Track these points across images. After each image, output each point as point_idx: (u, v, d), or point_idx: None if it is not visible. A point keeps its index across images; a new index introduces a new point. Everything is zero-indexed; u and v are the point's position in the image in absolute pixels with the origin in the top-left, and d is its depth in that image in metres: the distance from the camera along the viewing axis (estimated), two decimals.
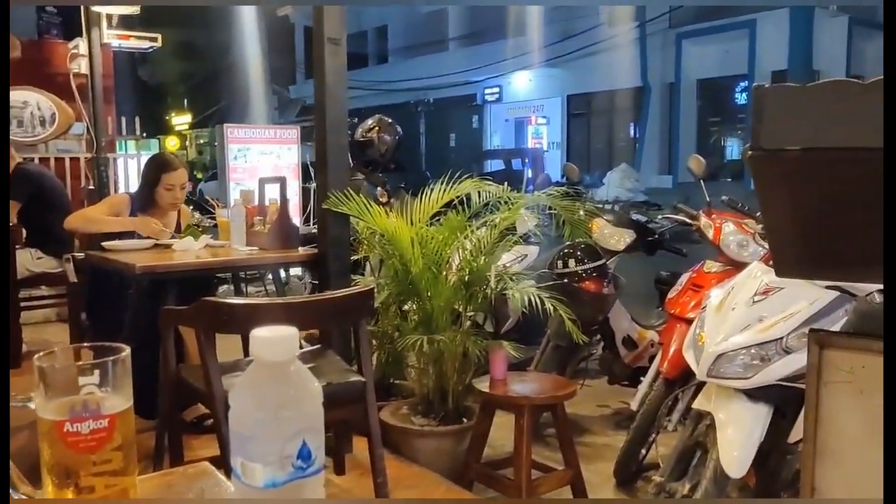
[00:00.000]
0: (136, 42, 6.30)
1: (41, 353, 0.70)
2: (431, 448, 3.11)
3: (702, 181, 3.51)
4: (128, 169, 6.75)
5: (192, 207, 4.84)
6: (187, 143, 19.99)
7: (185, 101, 24.22)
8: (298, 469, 0.59)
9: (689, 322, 2.90)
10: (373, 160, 4.96)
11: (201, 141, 19.80)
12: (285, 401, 0.60)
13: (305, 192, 6.94)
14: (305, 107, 25.75)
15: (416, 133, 22.65)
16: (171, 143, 17.72)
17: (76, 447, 0.67)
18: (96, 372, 0.70)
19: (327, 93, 3.18)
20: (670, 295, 3.30)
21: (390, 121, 5.10)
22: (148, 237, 3.43)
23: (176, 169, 3.55)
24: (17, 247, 4.49)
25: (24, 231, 4.62)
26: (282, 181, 3.37)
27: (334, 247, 3.21)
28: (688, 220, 3.53)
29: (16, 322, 4.47)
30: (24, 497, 0.71)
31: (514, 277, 3.36)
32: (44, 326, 5.46)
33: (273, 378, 0.60)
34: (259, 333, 0.60)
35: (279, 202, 3.32)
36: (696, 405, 2.54)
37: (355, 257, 3.54)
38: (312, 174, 8.03)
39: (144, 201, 3.56)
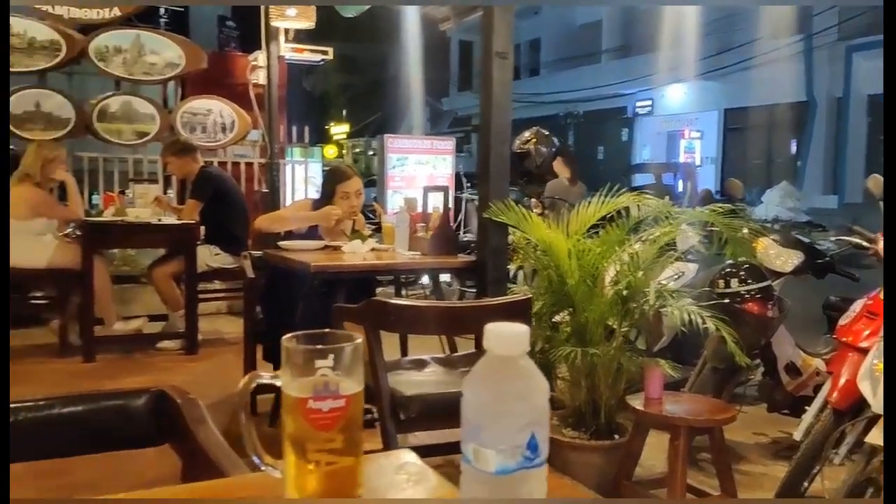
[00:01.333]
0: (309, 55, 6.70)
1: (287, 336, 0.78)
2: (581, 461, 3.09)
3: (881, 202, 3.30)
4: (294, 174, 7.16)
5: None
6: (344, 151, 20.86)
7: (344, 111, 25.33)
8: (526, 459, 0.63)
9: (862, 351, 2.73)
10: (528, 171, 5.01)
11: (357, 150, 20.59)
12: (516, 393, 0.64)
13: (457, 202, 7.09)
14: (457, 118, 26.26)
15: (564, 145, 22.50)
16: (330, 151, 18.56)
17: (316, 423, 0.75)
18: (331, 356, 0.77)
19: (493, 104, 3.25)
20: (842, 321, 3.12)
21: (547, 133, 5.14)
22: (324, 234, 3.64)
23: (350, 178, 3.75)
24: (197, 243, 4.88)
25: (202, 229, 5.02)
26: (445, 190, 3.48)
27: (493, 255, 3.27)
28: (864, 243, 3.32)
29: (193, 312, 4.85)
30: (272, 469, 0.80)
31: (673, 295, 3.29)
32: (215, 318, 5.89)
33: (505, 371, 0.65)
34: (494, 328, 0.65)
35: (441, 210, 3.43)
36: (869, 439, 2.39)
37: (510, 266, 3.59)
38: (464, 184, 8.24)
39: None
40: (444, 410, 2.57)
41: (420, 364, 2.87)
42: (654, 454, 3.02)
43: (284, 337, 0.78)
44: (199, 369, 4.51)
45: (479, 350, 2.90)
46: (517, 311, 2.59)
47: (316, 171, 7.49)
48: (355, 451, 0.78)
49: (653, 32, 19.51)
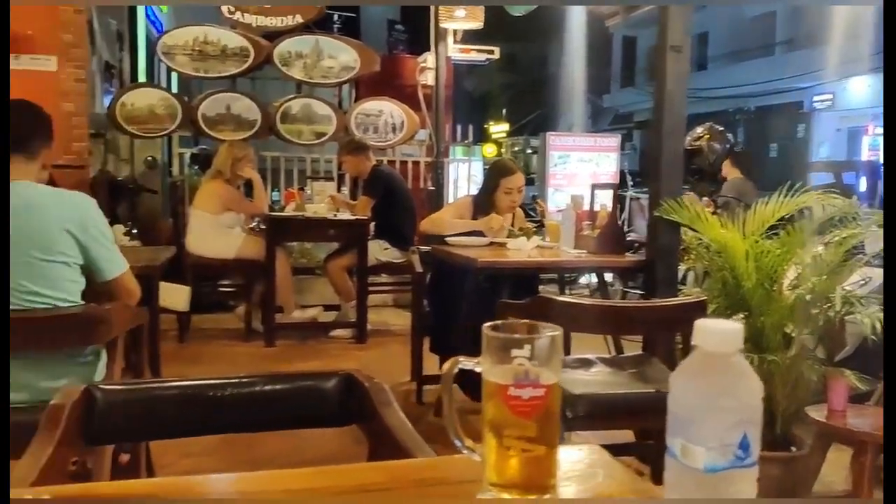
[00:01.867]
0: (476, 55, 6.80)
1: (488, 325, 0.81)
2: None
3: None
4: (458, 173, 7.30)
5: None
6: (503, 150, 20.97)
7: (504, 110, 25.46)
8: (737, 458, 0.62)
9: None
10: (700, 169, 4.82)
11: (516, 149, 20.62)
12: (727, 390, 0.63)
13: (620, 200, 6.93)
14: (619, 115, 25.69)
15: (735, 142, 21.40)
16: (489, 150, 18.71)
17: (516, 410, 0.77)
18: (527, 346, 0.79)
19: (666, 100, 3.17)
20: None
21: (721, 129, 4.92)
22: (486, 235, 3.70)
23: (514, 173, 3.78)
24: (368, 238, 5.10)
25: (373, 225, 5.24)
26: (613, 187, 3.43)
27: (664, 255, 3.19)
28: None
29: (364, 304, 5.08)
30: (470, 452, 0.83)
31: (862, 301, 3.06)
32: (382, 310, 6.12)
33: (716, 367, 0.64)
34: (706, 324, 0.64)
35: (609, 208, 3.38)
36: None
37: (680, 267, 3.48)
38: (628, 181, 8.06)
39: (485, 204, 3.84)
40: (611, 411, 2.54)
41: (586, 363, 2.84)
42: (833, 470, 2.83)
43: (485, 325, 0.81)
44: (367, 357, 4.72)
45: (647, 352, 2.84)
46: (690, 314, 2.51)
47: (477, 170, 7.60)
48: (552, 441, 0.80)
49: (832, 22, 18.13)
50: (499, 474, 0.79)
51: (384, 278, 5.97)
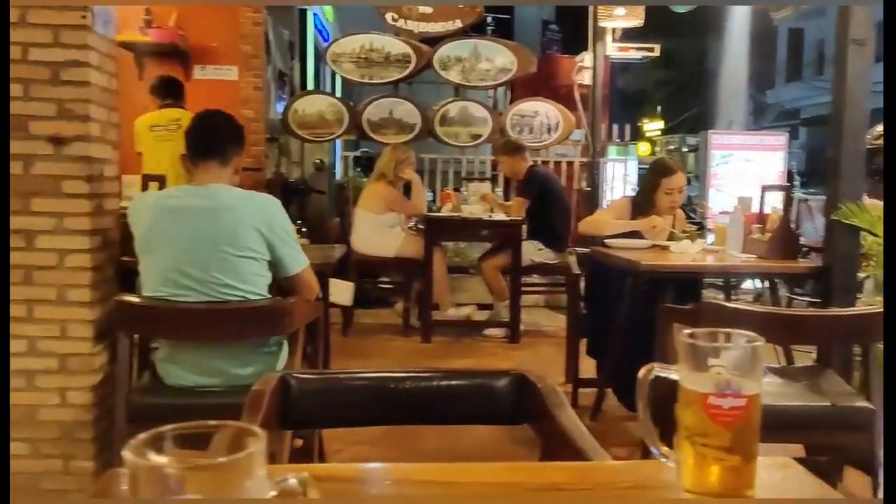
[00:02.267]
0: (634, 53, 6.67)
1: (685, 332, 0.82)
2: None
3: None
4: (613, 173, 7.19)
5: None
6: (657, 148, 20.38)
7: (659, 108, 24.72)
8: None
9: None
10: (881, 170, 4.48)
11: (671, 147, 19.95)
12: None
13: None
14: (784, 112, 24.26)
15: None
16: (643, 148, 18.24)
17: (716, 419, 0.77)
18: (724, 355, 0.79)
19: (847, 96, 2.98)
20: None
21: None
22: (646, 236, 3.63)
23: (675, 173, 3.68)
24: (521, 239, 5.13)
25: (526, 225, 5.26)
26: (785, 189, 3.27)
27: (841, 261, 3.00)
28: None
29: (517, 304, 5.12)
30: (666, 459, 0.84)
31: None
32: (534, 310, 6.14)
33: None
34: None
35: (781, 211, 3.23)
36: None
37: (859, 274, 3.26)
38: (795, 182, 7.62)
39: (644, 204, 3.76)
40: (781, 424, 2.43)
41: None
42: None
43: (683, 332, 0.81)
44: (521, 357, 4.75)
45: (821, 363, 2.69)
46: (870, 325, 2.35)
47: (632, 169, 7.45)
48: (751, 452, 0.79)
49: None
50: (695, 481, 0.79)
51: (536, 279, 5.98)
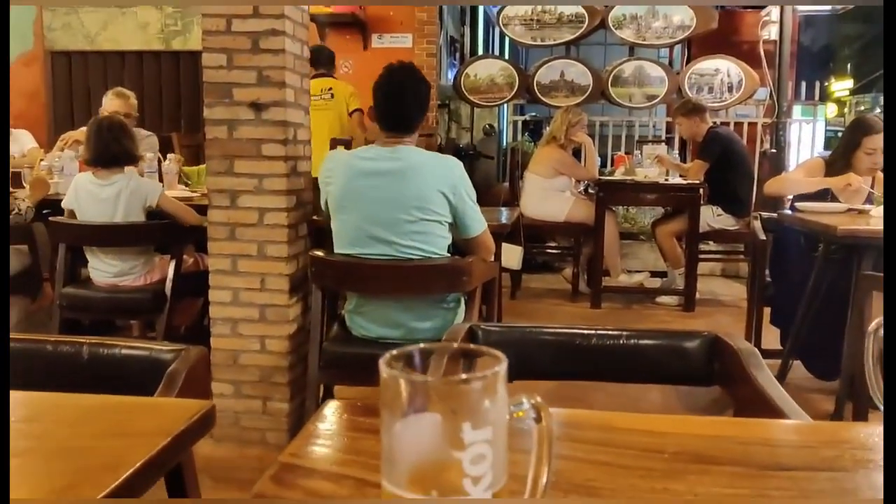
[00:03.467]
0: (825, 4, 6.15)
1: None
2: None
3: None
4: (801, 134, 6.71)
5: None
6: (846, 110, 18.77)
7: (848, 65, 22.71)
8: None
9: None
10: None
11: (862, 108, 18.32)
12: None
13: None
14: None
15: None
16: (830, 109, 16.89)
17: None
18: None
19: None
20: None
21: None
22: (839, 196, 3.38)
23: (878, 132, 3.39)
24: (700, 204, 4.92)
25: (705, 189, 5.04)
26: None
27: None
28: None
29: (693, 271, 4.93)
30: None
31: None
32: (710, 279, 5.90)
33: None
34: None
35: None
36: None
37: None
38: None
39: (840, 165, 3.50)
40: None
41: None
42: None
43: None
44: (696, 326, 4.56)
45: None
46: None
47: (820, 131, 6.91)
48: None
49: None
50: None
51: (713, 246, 5.73)
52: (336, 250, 2.44)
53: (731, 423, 0.92)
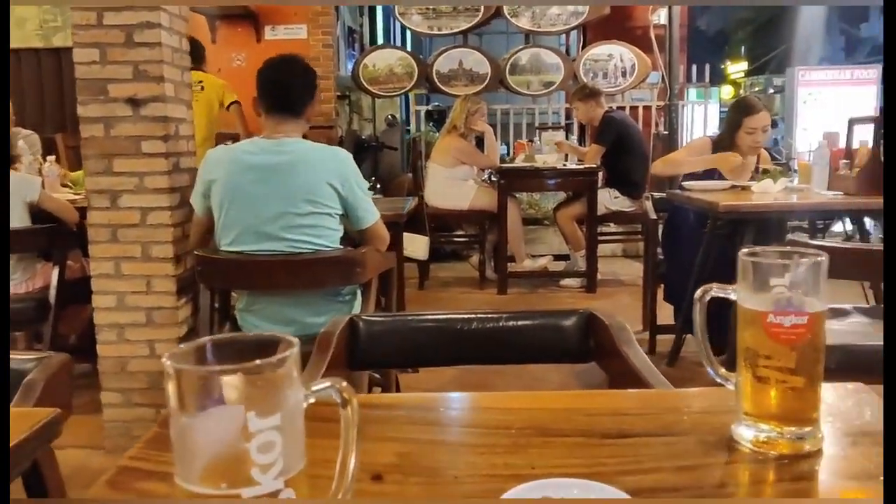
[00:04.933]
0: None
1: (745, 251, 0.78)
2: None
3: None
4: (693, 116, 6.95)
5: None
6: (741, 91, 19.58)
7: (742, 48, 23.66)
8: None
9: None
10: None
11: (756, 89, 19.12)
12: None
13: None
14: (878, 46, 22.86)
15: None
16: (726, 91, 17.57)
17: (776, 338, 0.74)
18: (787, 275, 0.76)
19: None
20: None
21: None
22: (724, 173, 3.52)
23: (758, 111, 3.53)
24: (597, 187, 5.04)
25: (603, 173, 5.16)
26: (876, 122, 3.09)
27: None
28: None
29: (594, 253, 5.05)
30: (724, 380, 0.82)
31: None
32: (611, 260, 6.06)
33: None
34: None
35: (871, 144, 3.06)
36: None
37: None
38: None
39: (725, 145, 3.63)
40: (870, 363, 2.34)
41: (841, 313, 2.63)
42: None
43: (742, 251, 0.78)
44: (598, 306, 4.61)
45: None
46: None
47: (713, 113, 7.18)
48: (814, 374, 0.76)
49: None
50: (754, 405, 0.77)
51: (613, 228, 5.88)
52: (222, 248, 2.38)
53: (581, 396, 0.94)
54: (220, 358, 0.51)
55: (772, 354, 0.75)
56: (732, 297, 0.80)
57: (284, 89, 2.38)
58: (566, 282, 5.20)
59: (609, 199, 5.12)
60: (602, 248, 5.58)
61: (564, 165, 5.12)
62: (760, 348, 0.76)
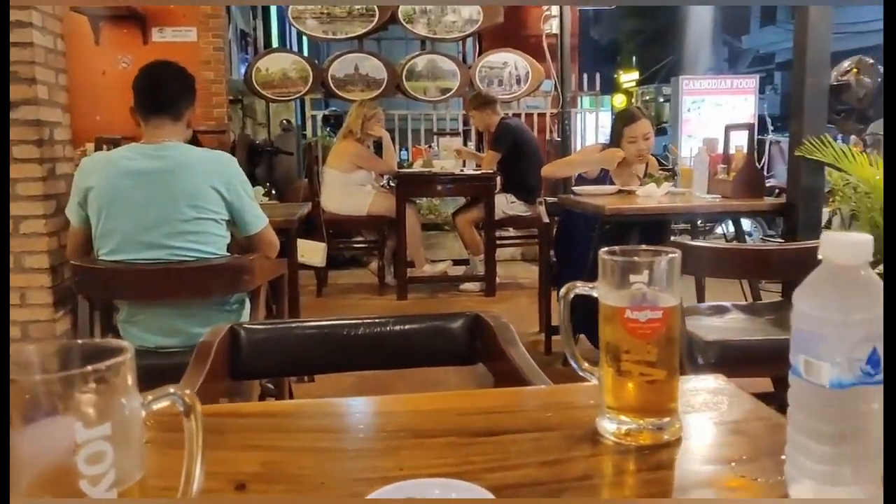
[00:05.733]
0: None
1: (605, 250, 0.81)
2: None
3: None
4: (585, 123, 7.15)
5: None
6: (633, 99, 20.32)
7: (633, 58, 24.56)
8: (865, 374, 0.60)
9: None
10: (847, 107, 4.49)
11: (647, 98, 19.89)
12: (855, 304, 0.60)
13: (760, 145, 6.59)
14: (758, 56, 24.20)
15: None
16: (619, 100, 18.18)
17: (634, 332, 0.77)
18: (646, 271, 0.79)
19: (809, 31, 2.97)
20: None
21: (871, 61, 4.53)
22: (613, 176, 3.64)
23: (637, 120, 3.66)
24: (494, 192, 5.11)
25: (499, 178, 5.24)
26: (750, 128, 3.26)
27: (806, 197, 3.02)
28: None
29: (492, 257, 5.12)
30: (588, 374, 0.84)
31: None
32: (510, 264, 6.15)
33: (843, 281, 0.61)
34: (833, 237, 0.62)
35: (746, 150, 3.23)
36: None
37: (824, 210, 3.29)
38: (768, 125, 7.63)
39: None
40: (747, 357, 2.46)
41: (720, 310, 2.76)
42: None
43: (602, 250, 0.81)
44: (496, 310, 4.67)
45: (787, 298, 2.74)
46: None
47: (605, 121, 7.41)
48: (671, 366, 0.79)
49: None
50: (616, 398, 0.79)
51: (511, 232, 5.98)
52: (101, 256, 2.27)
53: (454, 396, 0.94)
54: (54, 367, 0.48)
55: (631, 349, 0.78)
56: (595, 294, 0.82)
57: (161, 92, 2.30)
58: (466, 286, 5.25)
59: (506, 204, 5.20)
60: (501, 252, 5.67)
61: (462, 171, 5.17)
62: (620, 343, 0.78)
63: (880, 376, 0.61)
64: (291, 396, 2.66)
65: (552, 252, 3.92)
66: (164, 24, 5.33)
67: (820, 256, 0.64)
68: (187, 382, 1.28)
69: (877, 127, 4.44)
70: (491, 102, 5.38)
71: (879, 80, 4.55)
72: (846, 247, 0.62)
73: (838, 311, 0.61)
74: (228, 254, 2.35)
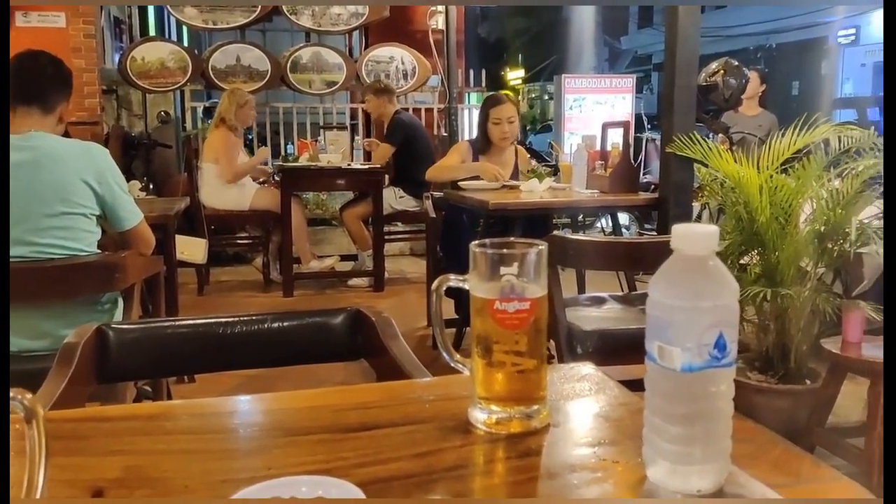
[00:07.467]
0: None
1: (475, 242, 0.82)
2: (767, 406, 2.97)
3: None
4: (472, 119, 7.24)
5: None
6: (520, 97, 20.75)
7: (520, 56, 25.09)
8: (714, 358, 0.63)
9: None
10: (715, 106, 4.74)
11: (532, 95, 20.40)
12: (703, 292, 0.64)
13: (637, 142, 6.88)
14: (637, 57, 25.24)
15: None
16: None
17: (502, 323, 0.79)
18: (515, 264, 0.81)
19: (679, 33, 3.11)
20: None
21: (737, 63, 4.80)
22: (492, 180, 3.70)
23: (502, 103, 3.76)
24: (382, 187, 5.10)
25: (389, 172, 5.23)
26: (625, 126, 3.40)
27: (676, 192, 3.17)
28: None
29: (380, 252, 5.11)
30: (460, 365, 0.85)
31: (878, 233, 3.03)
32: (399, 258, 6.16)
33: (692, 270, 0.65)
34: (683, 228, 0.65)
35: (621, 147, 3.36)
36: None
37: (694, 204, 3.46)
38: (645, 124, 7.97)
39: (480, 141, 3.84)
40: (622, 346, 2.57)
41: (598, 301, 2.87)
42: (849, 402, 2.85)
43: (472, 243, 0.82)
44: (385, 305, 4.76)
45: None
46: None
47: None
48: (539, 355, 0.81)
49: None
50: (486, 388, 0.81)
51: (400, 227, 5.98)
52: None
53: (329, 393, 0.93)
54: None
55: (500, 339, 0.79)
56: (466, 286, 0.83)
57: (29, 80, 2.17)
58: (354, 281, 5.21)
59: (394, 199, 5.20)
60: (389, 247, 5.66)
61: (349, 165, 5.13)
62: (491, 334, 0.80)
63: (727, 359, 0.65)
64: (170, 398, 2.56)
65: (438, 246, 3.95)
66: (29, 9, 5.01)
67: (672, 247, 0.67)
68: (49, 386, 1.21)
69: (742, 125, 4.72)
70: (388, 91, 5.36)
71: (744, 81, 4.84)
72: (695, 238, 0.66)
73: (688, 299, 0.64)
74: (99, 251, 2.23)
